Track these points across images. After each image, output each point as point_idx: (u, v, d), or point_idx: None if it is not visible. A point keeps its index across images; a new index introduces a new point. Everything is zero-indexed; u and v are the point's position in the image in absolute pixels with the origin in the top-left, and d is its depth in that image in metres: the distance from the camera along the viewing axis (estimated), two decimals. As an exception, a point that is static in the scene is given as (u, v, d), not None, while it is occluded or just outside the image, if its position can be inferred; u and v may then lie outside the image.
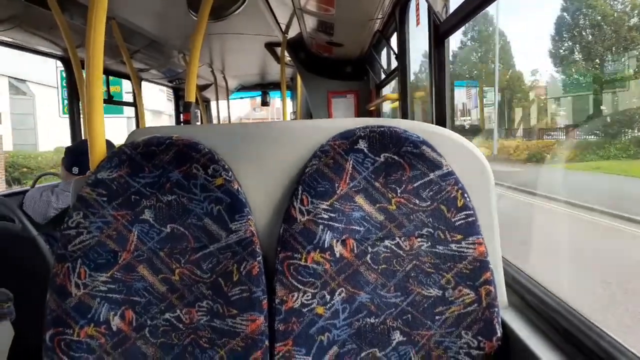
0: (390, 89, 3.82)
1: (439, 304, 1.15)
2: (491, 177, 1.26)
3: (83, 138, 3.79)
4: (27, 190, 3.08)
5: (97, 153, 1.26)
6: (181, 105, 6.36)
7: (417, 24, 2.53)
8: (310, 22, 3.23)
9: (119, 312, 1.12)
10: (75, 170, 2.43)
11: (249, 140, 1.25)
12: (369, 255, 1.16)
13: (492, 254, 1.18)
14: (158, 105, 18.58)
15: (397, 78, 3.12)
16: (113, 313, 1.12)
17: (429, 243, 1.16)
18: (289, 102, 6.42)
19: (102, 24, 1.26)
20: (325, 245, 1.15)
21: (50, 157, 14.29)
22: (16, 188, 3.97)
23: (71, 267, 1.11)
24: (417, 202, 1.16)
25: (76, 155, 2.49)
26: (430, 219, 1.16)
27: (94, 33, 1.25)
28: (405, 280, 1.15)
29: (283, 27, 3.68)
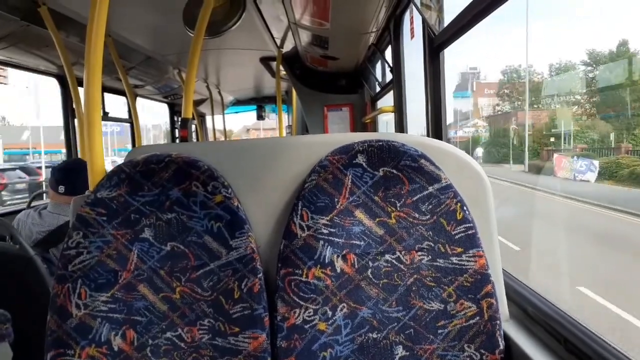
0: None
1: (441, 318, 1.14)
2: (489, 189, 1.26)
3: (78, 156, 3.78)
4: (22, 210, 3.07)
5: (96, 172, 1.26)
6: (177, 121, 6.40)
7: (412, 37, 2.55)
8: (305, 37, 3.25)
9: (120, 332, 1.11)
10: (62, 189, 2.39)
11: (248, 156, 1.25)
12: (369, 270, 1.16)
13: (492, 266, 1.19)
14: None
15: (392, 91, 3.14)
16: (114, 333, 1.11)
17: (430, 257, 1.16)
18: (284, 116, 6.44)
19: (100, 43, 1.27)
20: (326, 261, 1.15)
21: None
22: (11, 207, 3.95)
23: (71, 288, 1.11)
24: (417, 215, 1.17)
25: (62, 174, 2.45)
26: (430, 233, 1.16)
27: (92, 52, 1.26)
28: (406, 294, 1.15)
29: (278, 41, 3.71)
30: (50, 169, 2.58)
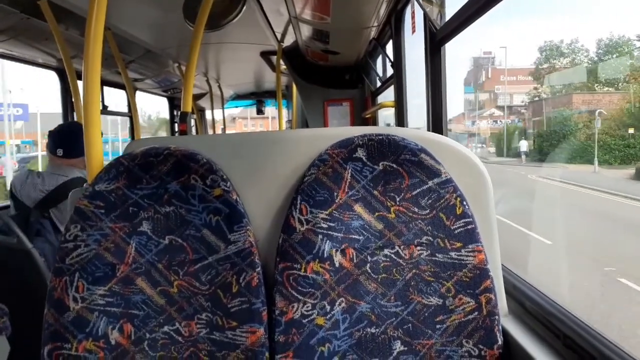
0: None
1: (439, 313, 1.14)
2: (489, 184, 1.26)
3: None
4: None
5: (95, 165, 1.25)
6: (177, 115, 6.39)
7: (413, 31, 2.54)
8: (306, 31, 3.24)
9: (117, 325, 1.11)
10: (60, 152, 2.41)
11: (247, 150, 1.25)
12: (368, 265, 1.15)
13: (491, 262, 1.18)
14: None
15: (393, 85, 3.13)
16: (111, 327, 1.10)
17: (429, 251, 1.15)
18: (284, 111, 6.43)
19: (100, 36, 1.26)
20: (325, 255, 1.14)
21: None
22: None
23: (69, 281, 1.10)
24: (416, 210, 1.16)
25: (60, 137, 2.47)
26: (430, 227, 1.16)
27: (92, 45, 1.25)
28: (405, 289, 1.15)
29: (279, 35, 3.69)
30: (47, 133, 2.59)
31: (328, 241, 1.15)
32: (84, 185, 1.24)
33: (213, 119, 7.99)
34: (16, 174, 2.53)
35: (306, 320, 1.13)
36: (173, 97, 6.38)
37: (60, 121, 3.52)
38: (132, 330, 1.11)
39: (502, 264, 1.27)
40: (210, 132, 8.00)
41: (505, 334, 1.18)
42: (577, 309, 1.16)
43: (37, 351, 1.11)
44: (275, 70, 4.24)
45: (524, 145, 14.58)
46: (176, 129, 6.54)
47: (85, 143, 1.27)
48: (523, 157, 14.22)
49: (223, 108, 7.30)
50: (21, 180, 2.43)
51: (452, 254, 1.15)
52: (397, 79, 2.98)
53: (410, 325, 1.14)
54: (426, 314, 1.14)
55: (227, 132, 8.15)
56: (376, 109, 3.82)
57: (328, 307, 1.13)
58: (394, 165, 1.17)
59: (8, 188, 2.52)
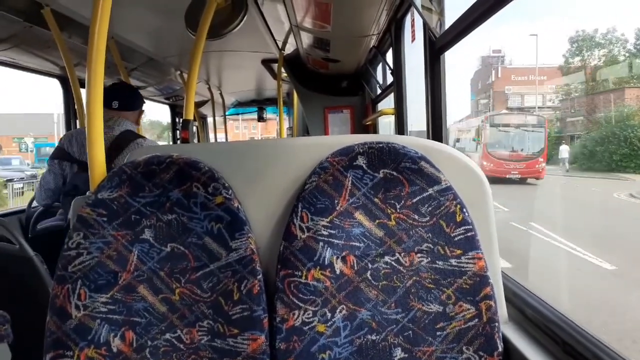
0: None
1: (439, 320, 1.15)
2: (489, 191, 1.27)
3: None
4: (23, 211, 3.11)
5: (98, 173, 1.26)
6: (179, 123, 6.41)
7: (413, 40, 2.56)
8: (306, 39, 3.26)
9: (119, 333, 1.11)
10: (115, 104, 2.47)
11: (249, 158, 1.26)
12: (369, 272, 1.16)
13: (491, 269, 1.19)
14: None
15: (392, 93, 3.14)
16: (113, 334, 1.11)
17: (429, 258, 1.16)
18: (285, 118, 6.44)
19: (103, 44, 1.27)
20: (326, 262, 1.15)
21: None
22: (15, 207, 3.98)
23: (71, 289, 1.11)
24: (417, 217, 1.17)
25: (115, 91, 2.55)
26: (430, 235, 1.17)
27: (95, 54, 1.26)
28: (405, 296, 1.15)
29: (279, 43, 3.72)
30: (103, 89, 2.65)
31: (329, 248, 1.16)
32: (87, 193, 1.25)
33: (215, 124, 8.07)
34: (62, 138, 2.55)
35: (307, 327, 1.13)
36: (175, 105, 6.41)
37: (44, 123, 3.57)
38: (134, 337, 1.12)
39: (502, 271, 1.28)
40: (211, 135, 8.04)
41: (506, 340, 1.18)
42: None
43: (38, 359, 1.12)
44: (276, 78, 4.26)
45: (564, 150, 12.44)
46: (178, 137, 6.57)
47: (88, 150, 1.29)
48: (566, 164, 12.12)
49: (225, 115, 7.33)
50: (78, 133, 2.46)
51: (452, 261, 1.16)
52: (397, 87, 2.99)
53: (410, 332, 1.14)
54: (426, 321, 1.15)
55: (219, 134, 8.23)
56: (376, 116, 3.84)
57: (329, 314, 1.14)
58: (394, 173, 1.18)
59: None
